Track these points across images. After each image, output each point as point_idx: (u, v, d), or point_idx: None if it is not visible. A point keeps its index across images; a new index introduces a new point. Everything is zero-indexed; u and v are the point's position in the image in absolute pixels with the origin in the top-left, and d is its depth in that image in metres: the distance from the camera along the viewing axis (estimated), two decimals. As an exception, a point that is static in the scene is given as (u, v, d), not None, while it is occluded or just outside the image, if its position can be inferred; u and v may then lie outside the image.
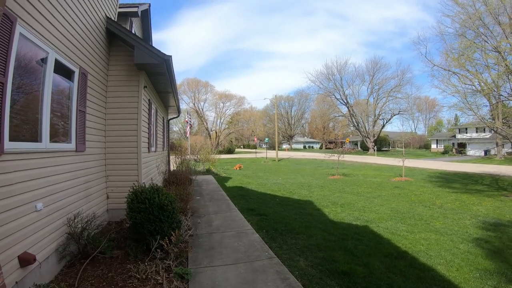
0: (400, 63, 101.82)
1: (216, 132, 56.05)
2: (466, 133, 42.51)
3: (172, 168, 11.62)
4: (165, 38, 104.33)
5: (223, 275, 3.36)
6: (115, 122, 5.50)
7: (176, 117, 14.87)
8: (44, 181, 3.20)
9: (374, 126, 51.58)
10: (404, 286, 3.31)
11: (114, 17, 6.02)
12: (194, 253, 3.98)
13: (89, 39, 4.62)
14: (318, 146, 77.83)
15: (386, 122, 52.27)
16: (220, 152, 40.11)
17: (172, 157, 12.35)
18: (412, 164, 20.94)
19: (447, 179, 14.14)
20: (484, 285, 3.43)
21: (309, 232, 5.30)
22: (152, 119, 7.41)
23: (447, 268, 3.88)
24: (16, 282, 2.56)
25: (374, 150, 46.58)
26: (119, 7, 6.66)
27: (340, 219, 6.53)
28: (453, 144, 46.52)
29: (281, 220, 6.15)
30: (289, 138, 75.15)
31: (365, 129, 50.92)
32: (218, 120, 58.47)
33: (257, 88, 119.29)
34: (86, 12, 4.49)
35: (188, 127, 27.29)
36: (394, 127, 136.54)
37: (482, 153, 36.42)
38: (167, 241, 3.50)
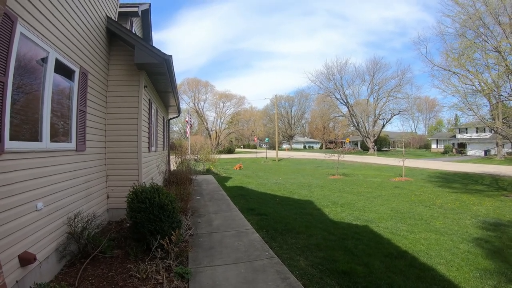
0: (400, 63, 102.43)
1: (216, 132, 56.06)
2: (466, 133, 42.51)
3: (172, 167, 11.63)
4: (165, 38, 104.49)
5: (224, 274, 3.36)
6: (115, 122, 5.51)
7: (176, 117, 14.89)
8: (44, 181, 3.20)
9: (374, 126, 51.61)
10: (404, 285, 3.31)
11: (114, 16, 6.02)
12: (194, 253, 3.98)
13: (89, 39, 4.62)
14: (318, 146, 77.79)
15: (386, 122, 52.39)
16: (220, 152, 40.13)
17: (172, 157, 12.36)
18: (412, 164, 20.93)
19: (447, 179, 14.13)
20: (484, 284, 3.43)
21: (309, 232, 5.30)
22: (152, 119, 7.41)
23: (447, 268, 3.88)
24: (17, 281, 2.56)
25: (374, 150, 46.58)
26: (120, 7, 6.66)
27: (340, 219, 6.53)
28: (453, 144, 46.49)
29: (281, 219, 6.16)
30: (289, 138, 75.12)
31: (365, 129, 50.93)
32: (218, 120, 58.59)
33: (257, 88, 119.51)
34: (87, 12, 4.49)
35: (188, 127, 27.24)
36: (394, 127, 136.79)
37: (482, 153, 36.40)
38: (168, 241, 3.51)
